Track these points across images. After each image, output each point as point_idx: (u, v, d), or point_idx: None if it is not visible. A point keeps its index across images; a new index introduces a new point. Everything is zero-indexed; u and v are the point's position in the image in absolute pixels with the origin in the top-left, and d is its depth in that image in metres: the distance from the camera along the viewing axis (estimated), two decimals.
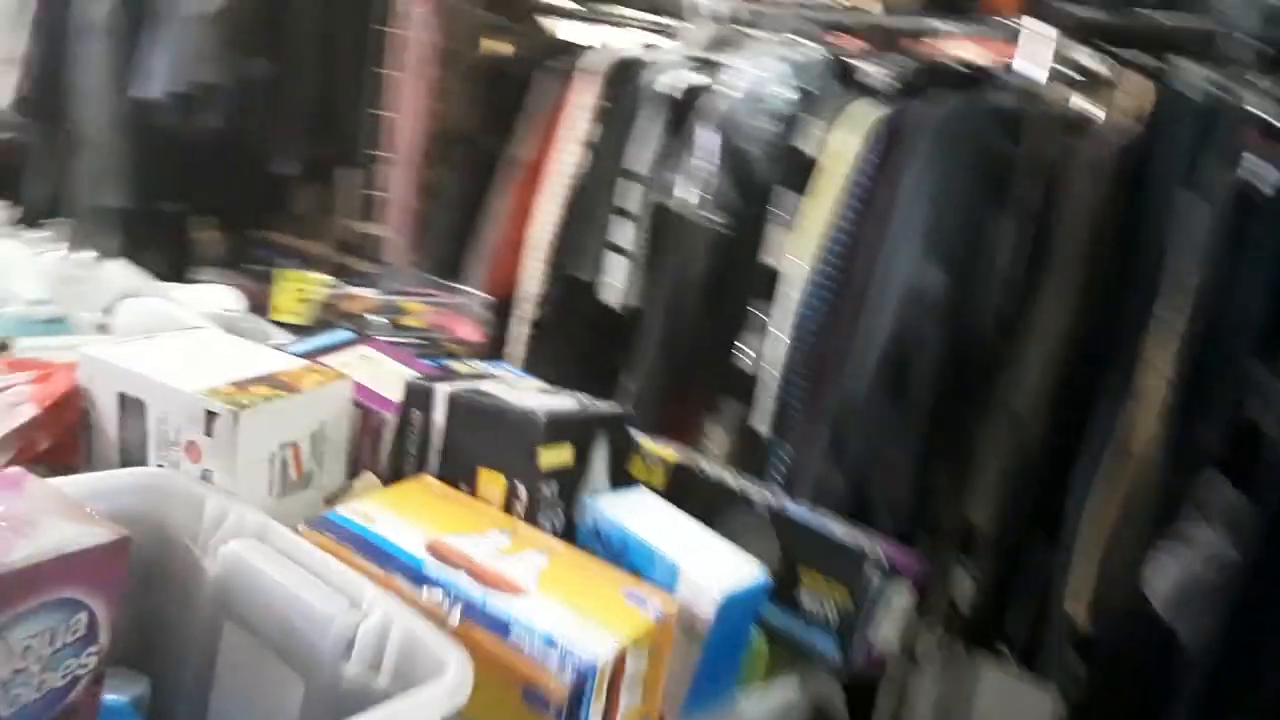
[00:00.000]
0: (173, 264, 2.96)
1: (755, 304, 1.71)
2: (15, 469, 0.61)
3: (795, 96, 1.77)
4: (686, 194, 1.77)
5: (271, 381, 0.78)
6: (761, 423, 1.67)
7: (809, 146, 1.71)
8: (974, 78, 1.82)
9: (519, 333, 1.97)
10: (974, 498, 1.80)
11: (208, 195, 2.89)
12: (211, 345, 0.85)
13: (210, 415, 0.73)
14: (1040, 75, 1.72)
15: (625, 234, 1.83)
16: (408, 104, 2.35)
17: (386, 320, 2.11)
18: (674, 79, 1.85)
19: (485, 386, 0.82)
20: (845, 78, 1.87)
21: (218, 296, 1.25)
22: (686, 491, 0.89)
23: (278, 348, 0.90)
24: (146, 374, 0.76)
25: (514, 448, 0.76)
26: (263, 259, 2.61)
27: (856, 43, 2.21)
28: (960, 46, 1.92)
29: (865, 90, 1.79)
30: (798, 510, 0.88)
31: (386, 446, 0.83)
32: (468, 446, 0.79)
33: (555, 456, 0.77)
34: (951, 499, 1.80)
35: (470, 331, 2.24)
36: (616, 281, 1.82)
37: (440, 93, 2.46)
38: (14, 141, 3.18)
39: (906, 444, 1.67)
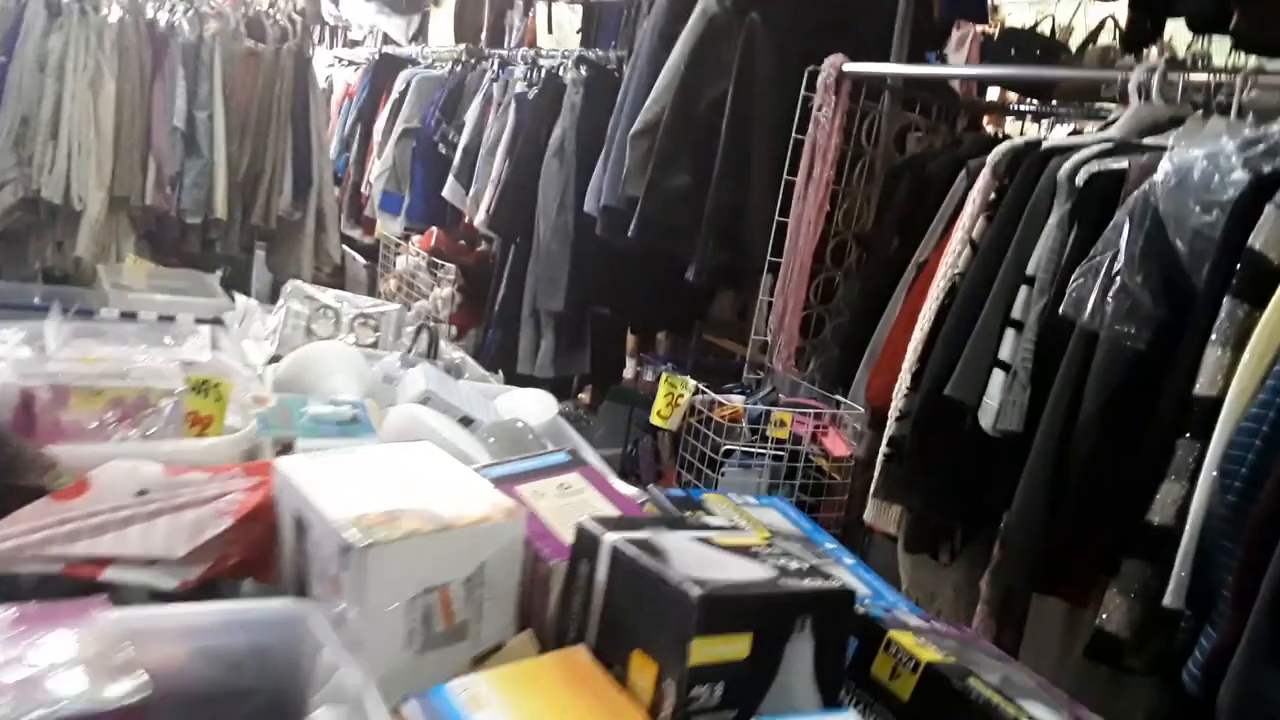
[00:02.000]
0: (600, 364, 3.15)
1: (1179, 442, 1.33)
2: (94, 600, 0.58)
3: (1251, 180, 1.37)
4: (1092, 302, 1.44)
5: (429, 513, 0.69)
6: (1176, 598, 1.27)
7: (1269, 245, 1.31)
8: None
9: (882, 453, 1.75)
10: None
11: (635, 301, 3.03)
12: (412, 464, 0.79)
13: (344, 548, 0.66)
14: None
15: (1011, 347, 1.54)
16: (806, 209, 2.25)
17: (750, 430, 2.01)
18: (1085, 166, 1.54)
19: (671, 540, 0.66)
20: None
21: (527, 402, 1.22)
22: (937, 713, 0.64)
23: (485, 468, 0.81)
24: (309, 494, 0.71)
25: (667, 630, 0.59)
26: (657, 362, 2.63)
27: None
28: None
29: None
30: None
31: (554, 600, 0.70)
32: (626, 619, 0.64)
33: (719, 649, 0.59)
34: None
35: (840, 446, 2.04)
36: (995, 401, 1.53)
37: (843, 197, 2.34)
38: (488, 252, 3.64)
39: None
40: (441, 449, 0.83)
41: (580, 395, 3.31)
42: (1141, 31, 3.05)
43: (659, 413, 2.01)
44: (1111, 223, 1.46)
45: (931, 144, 2.46)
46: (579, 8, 3.87)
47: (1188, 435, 1.31)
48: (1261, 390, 1.24)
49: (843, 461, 1.99)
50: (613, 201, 2.66)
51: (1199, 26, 3.13)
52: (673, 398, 2.00)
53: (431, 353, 1.42)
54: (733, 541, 0.69)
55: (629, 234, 2.62)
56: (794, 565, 0.67)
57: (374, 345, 1.45)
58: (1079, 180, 1.53)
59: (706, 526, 0.72)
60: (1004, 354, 1.54)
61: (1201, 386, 1.31)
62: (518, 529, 0.71)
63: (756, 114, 2.51)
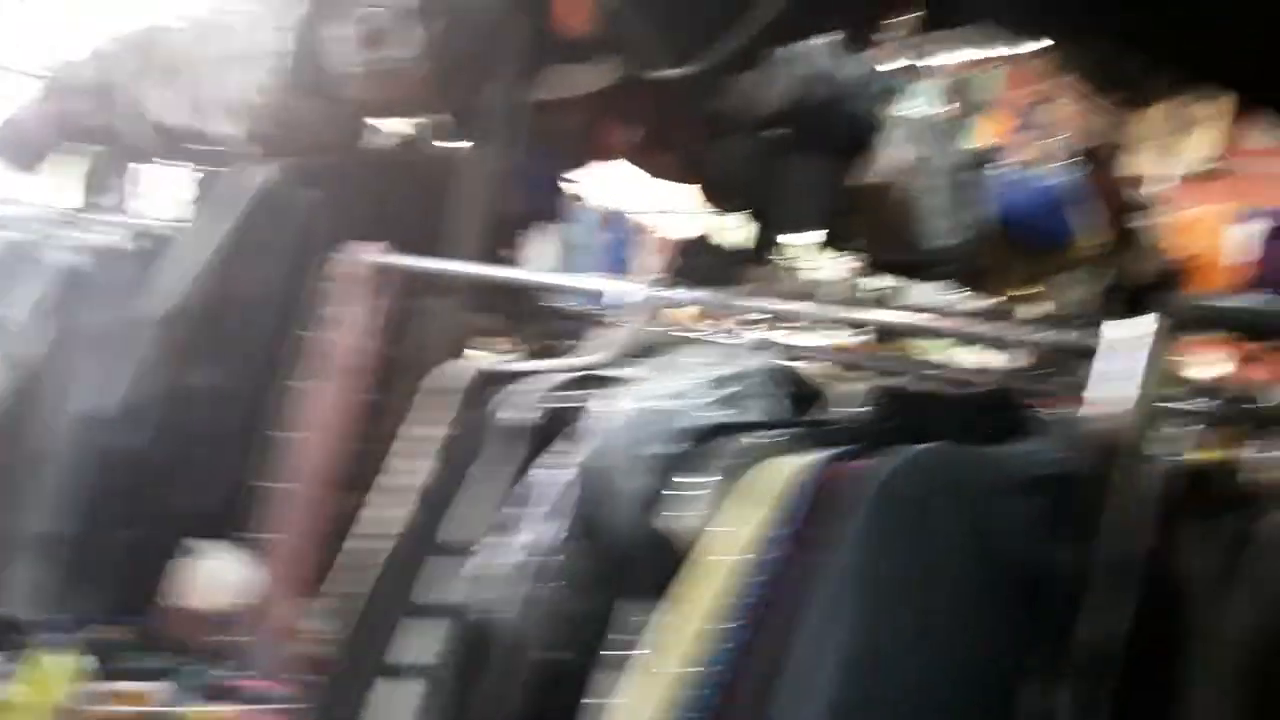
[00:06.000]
0: (121, 598, 2.52)
1: None
2: None
3: (692, 434, 1.07)
4: (508, 585, 1.07)
5: None
6: None
7: (684, 520, 0.99)
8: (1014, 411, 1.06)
9: None
10: None
11: (172, 516, 2.47)
12: None
13: None
14: (1124, 405, 0.94)
15: (427, 644, 1.13)
16: (315, 424, 1.83)
17: None
18: (531, 401, 1.20)
19: None
20: (803, 401, 1.16)
21: None
22: None
23: None
24: None
25: None
26: None
27: None
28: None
29: (822, 434, 1.06)
30: None
31: None
32: None
33: None
34: None
35: None
36: None
37: (389, 412, 1.95)
38: None
39: None
40: None
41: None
42: (765, 244, 2.95)
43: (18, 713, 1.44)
44: (538, 480, 1.11)
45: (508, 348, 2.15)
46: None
47: None
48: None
49: None
50: (117, 401, 2.16)
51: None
52: (40, 692, 1.44)
53: None
54: None
55: (138, 442, 2.11)
56: None
57: None
58: (522, 421, 1.19)
59: None
60: (412, 653, 1.13)
61: (610, 702, 0.94)
62: None
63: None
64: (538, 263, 2.92)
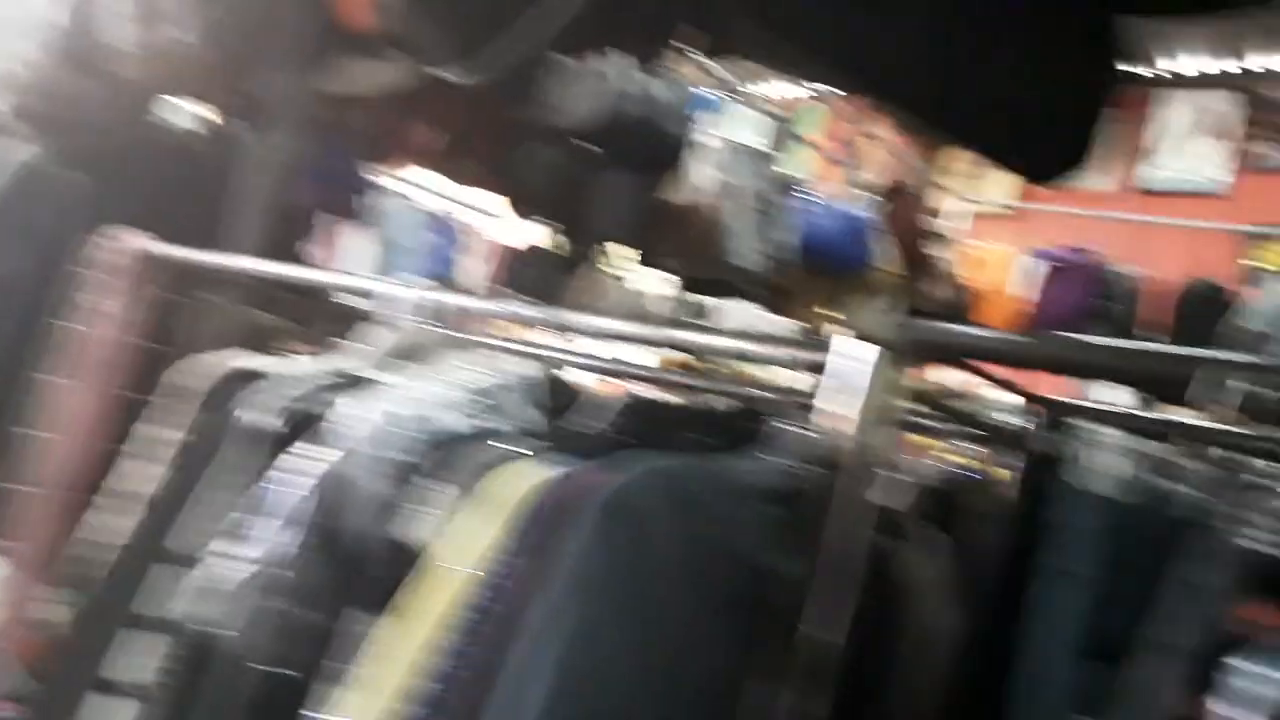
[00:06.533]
0: None
1: None
2: None
3: (438, 441, 1.04)
4: (235, 598, 1.01)
5: None
6: None
7: (421, 530, 0.96)
8: (748, 422, 1.09)
9: None
10: None
11: None
12: None
13: None
14: (848, 426, 0.97)
15: (143, 661, 1.06)
16: (68, 423, 1.70)
17: None
18: (277, 403, 1.15)
19: None
20: (560, 411, 1.16)
21: None
22: None
23: None
24: None
25: None
26: None
27: None
28: None
29: (566, 445, 1.05)
30: None
31: None
32: None
33: None
34: None
35: None
36: None
37: (127, 414, 1.82)
38: None
39: None
40: None
41: None
42: (579, 255, 2.96)
43: None
44: (272, 485, 1.06)
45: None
46: None
47: None
48: None
49: None
50: None
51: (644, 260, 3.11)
52: None
53: None
54: None
55: None
56: None
57: None
58: (263, 425, 1.13)
59: None
60: (127, 670, 1.05)
61: None
62: None
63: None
64: (352, 260, 2.84)
